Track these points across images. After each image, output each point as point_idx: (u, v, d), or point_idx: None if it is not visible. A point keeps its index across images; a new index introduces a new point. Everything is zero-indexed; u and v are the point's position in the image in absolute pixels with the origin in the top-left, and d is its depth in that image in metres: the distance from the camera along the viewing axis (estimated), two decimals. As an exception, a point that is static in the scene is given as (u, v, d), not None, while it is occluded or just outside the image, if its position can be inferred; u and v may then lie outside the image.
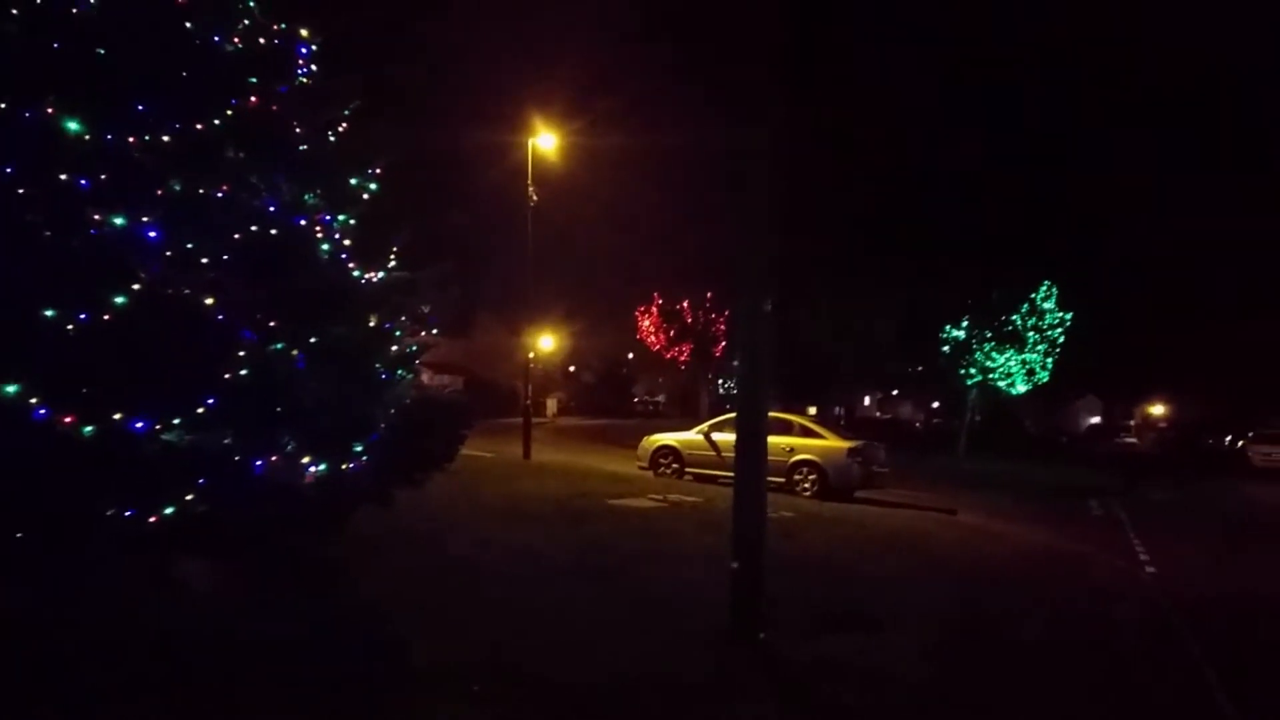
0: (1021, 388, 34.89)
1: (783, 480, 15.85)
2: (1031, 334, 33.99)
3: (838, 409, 56.09)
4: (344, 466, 6.73)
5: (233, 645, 5.19)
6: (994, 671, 6.47)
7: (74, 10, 5.66)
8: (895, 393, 72.96)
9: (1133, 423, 70.43)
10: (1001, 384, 34.63)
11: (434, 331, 8.59)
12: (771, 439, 7.44)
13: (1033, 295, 34.22)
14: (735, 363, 8.21)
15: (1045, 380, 35.06)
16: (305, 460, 6.37)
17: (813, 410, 45.32)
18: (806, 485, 16.37)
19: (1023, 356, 34.02)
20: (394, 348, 7.47)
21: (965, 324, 34.80)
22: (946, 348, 35.54)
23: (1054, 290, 34.61)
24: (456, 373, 42.34)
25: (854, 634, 6.90)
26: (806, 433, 17.11)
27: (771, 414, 10.20)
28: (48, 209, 5.41)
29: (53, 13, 5.57)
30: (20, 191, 5.32)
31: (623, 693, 5.23)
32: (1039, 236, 49.15)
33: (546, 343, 43.36)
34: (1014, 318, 33.93)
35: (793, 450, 16.55)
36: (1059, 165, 67.32)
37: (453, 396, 9.71)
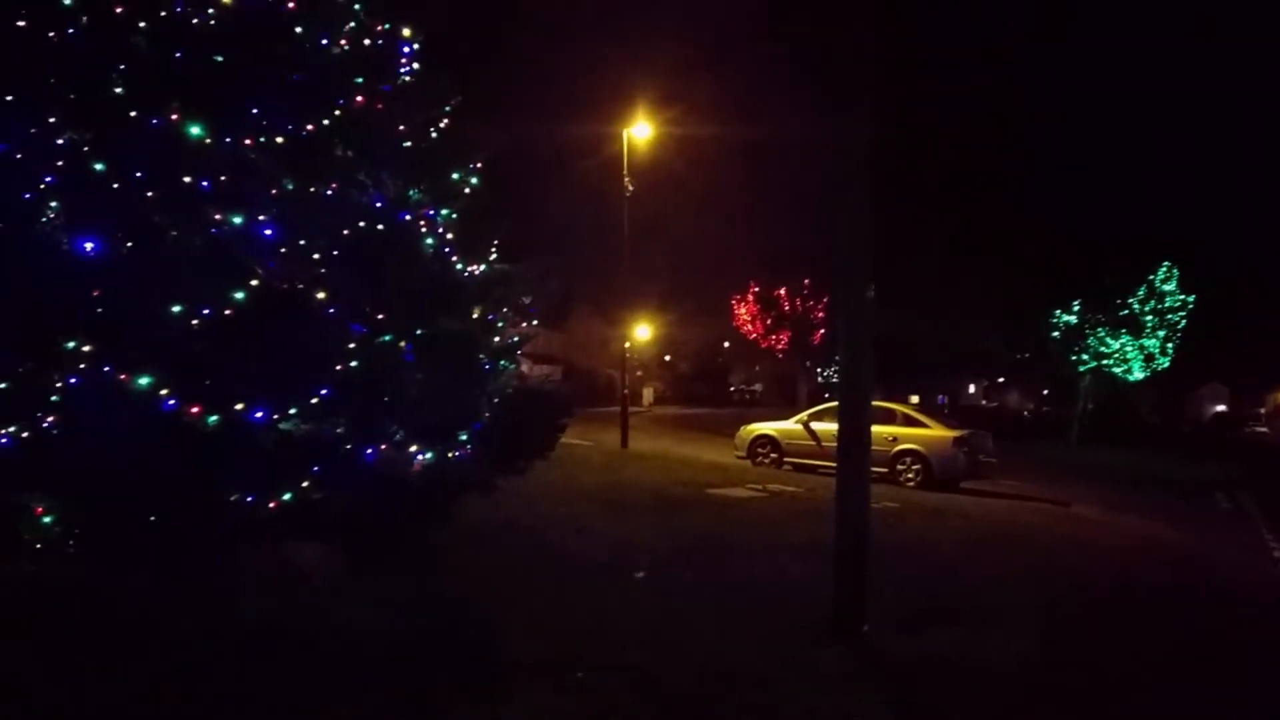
0: (1139, 374, 33.34)
1: (885, 470, 15.55)
2: (1150, 318, 32.38)
3: (941, 397, 54.66)
4: (449, 455, 6.89)
5: (340, 628, 5.38)
6: (1106, 674, 6.18)
7: (194, 21, 5.94)
8: (1001, 380, 70.59)
9: (1264, 411, 66.26)
10: (1116, 370, 33.14)
11: (534, 323, 8.71)
12: (873, 428, 7.31)
13: (1151, 277, 32.58)
14: (837, 353, 8.04)
15: (1165, 366, 33.40)
16: (413, 449, 6.54)
17: (915, 399, 44.25)
18: (910, 475, 16.04)
19: (1140, 341, 32.46)
20: (496, 339, 7.60)
21: (1077, 308, 33.40)
22: (1056, 333, 34.21)
23: (1175, 271, 32.86)
24: (554, 363, 42.94)
25: (960, 629, 6.71)
26: (910, 421, 16.74)
27: (873, 403, 10.01)
28: (173, 210, 5.70)
29: (176, 24, 5.85)
30: (149, 194, 5.62)
31: (723, 684, 5.21)
32: (1158, 214, 46.67)
33: (643, 332, 43.56)
34: (1130, 301, 32.37)
35: (895, 440, 16.22)
36: (1179, 139, 63.64)
37: (553, 386, 9.82)
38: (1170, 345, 32.98)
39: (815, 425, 17.36)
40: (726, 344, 62.00)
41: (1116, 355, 33.01)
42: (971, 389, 71.38)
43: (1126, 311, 32.65)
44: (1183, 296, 32.82)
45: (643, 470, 15.11)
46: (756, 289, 46.64)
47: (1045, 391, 64.12)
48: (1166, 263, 32.94)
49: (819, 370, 53.87)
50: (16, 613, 5.15)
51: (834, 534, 6.58)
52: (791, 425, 18.00)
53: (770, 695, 5.12)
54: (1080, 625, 7.29)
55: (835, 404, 17.67)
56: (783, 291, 46.11)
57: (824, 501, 11.31)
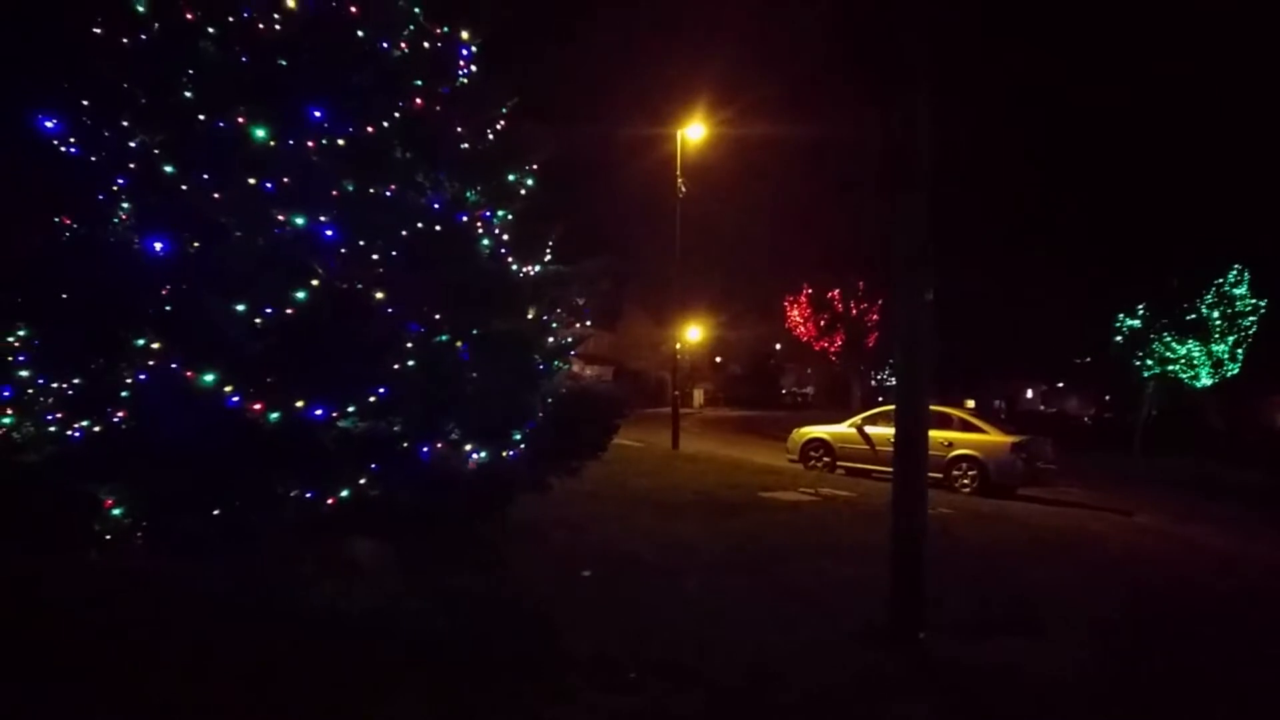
0: (1206, 380, 32.32)
1: (940, 476, 15.30)
2: (1219, 322, 31.37)
3: (997, 402, 53.64)
4: (504, 454, 6.94)
5: (396, 622, 5.45)
6: (1166, 692, 5.96)
7: (260, 26, 6.07)
8: (1060, 385, 69.00)
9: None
10: (1183, 376, 32.19)
11: (588, 323, 8.73)
12: (929, 433, 7.17)
13: (1220, 280, 31.57)
14: (893, 356, 7.92)
15: (1234, 373, 32.32)
16: (468, 448, 6.60)
17: (970, 403, 43.49)
18: (966, 481, 15.77)
19: (1209, 347, 31.46)
20: (550, 339, 7.64)
21: (1142, 311, 32.50)
22: (1119, 337, 33.34)
23: (1246, 275, 31.79)
24: (605, 364, 43.09)
25: (1016, 638, 6.56)
26: (966, 426, 16.45)
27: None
28: (238, 211, 5.84)
29: (242, 29, 5.98)
30: (215, 195, 5.76)
31: (775, 688, 5.17)
32: (1227, 215, 45.13)
33: (693, 333, 43.47)
34: (1198, 304, 31.40)
35: (951, 445, 15.95)
36: (1252, 138, 61.50)
37: (606, 387, 9.85)
38: (1240, 351, 31.91)
39: (869, 429, 17.16)
40: (778, 346, 61.58)
41: (1183, 361, 32.06)
42: (1029, 394, 69.91)
43: (1194, 316, 31.68)
44: (1254, 300, 31.74)
45: (694, 472, 15.07)
46: (810, 290, 46.25)
47: (1107, 397, 62.54)
48: (1237, 265, 31.89)
49: (873, 373, 53.25)
50: (88, 601, 5.30)
51: (888, 540, 6.48)
52: (845, 429, 17.81)
53: (825, 700, 5.07)
54: (1143, 639, 7.08)
55: (890, 408, 17.45)
56: (836, 293, 45.66)
57: (878, 507, 11.15)
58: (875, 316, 44.97)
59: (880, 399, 43.68)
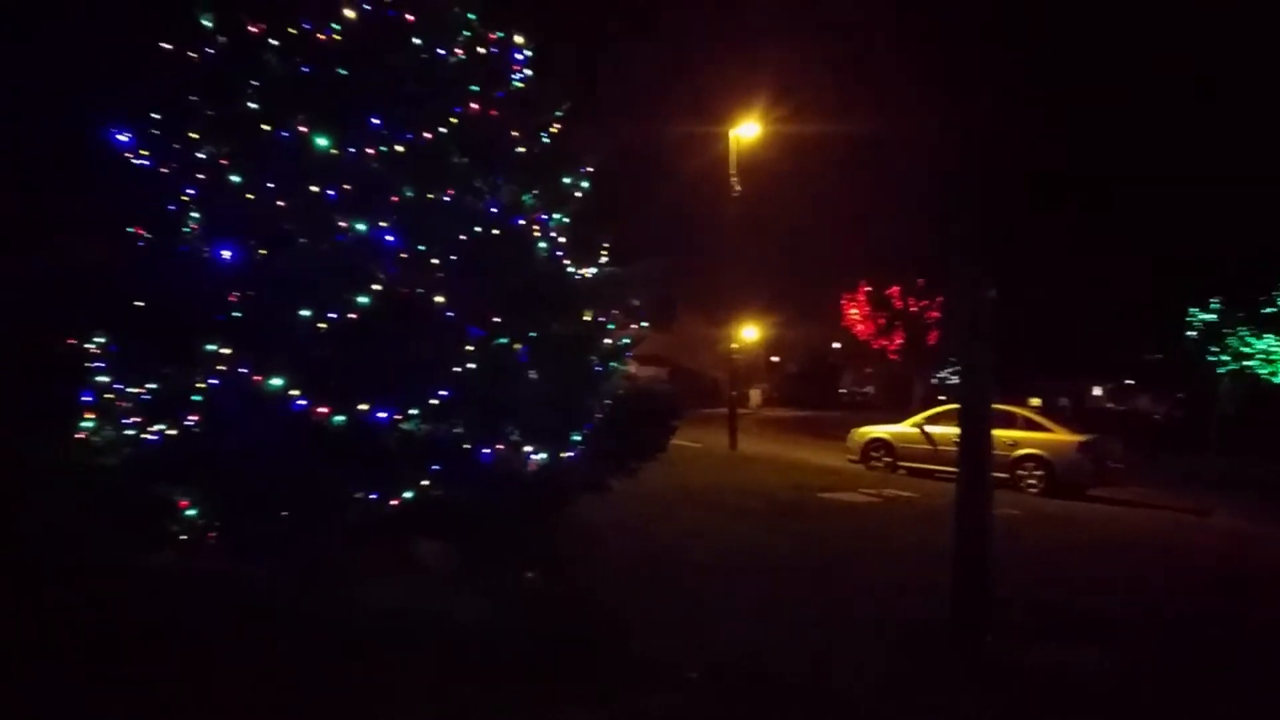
0: (1286, 376, 31.09)
1: (1005, 476, 14.96)
2: (1302, 315, 30.15)
3: (1063, 400, 52.32)
4: (562, 455, 6.98)
5: (459, 623, 5.50)
6: (1240, 703, 5.72)
7: (320, 37, 6.21)
8: (1130, 382, 66.96)
9: None
10: (1261, 371, 31.02)
11: (644, 324, 8.74)
12: (993, 432, 7.01)
13: (1302, 270, 30.35)
14: (954, 354, 7.75)
15: (1320, 369, 31.03)
16: (527, 449, 6.66)
17: (1035, 402, 42.48)
18: (1031, 481, 15.41)
19: (1289, 341, 30.28)
20: (607, 341, 7.66)
21: (1216, 305, 31.41)
22: (1192, 332, 32.27)
23: (1328, 264, 30.51)
24: (660, 364, 43.04)
25: (1086, 641, 6.37)
26: (1031, 425, 16.08)
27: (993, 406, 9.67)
28: (301, 218, 5.97)
29: (304, 40, 6.12)
30: (279, 204, 5.90)
31: (837, 690, 5.10)
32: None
33: (749, 333, 43.23)
34: (1277, 297, 30.24)
35: (1016, 444, 15.60)
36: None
37: (663, 388, 9.85)
38: (1323, 344, 30.65)
39: (931, 429, 16.87)
40: (836, 344, 60.91)
41: (1260, 356, 30.90)
42: (1097, 391, 68.02)
43: (1272, 309, 30.52)
44: (1340, 292, 30.46)
45: (752, 473, 14.98)
46: (868, 288, 45.61)
47: (1179, 395, 60.57)
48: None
49: (933, 372, 52.36)
50: (169, 600, 5.46)
51: (952, 541, 6.36)
52: (906, 428, 17.55)
53: (887, 701, 4.99)
54: (1220, 646, 6.83)
55: (952, 407, 17.13)
56: (895, 290, 44.94)
57: (941, 507, 10.96)
58: (935, 314, 44.16)
59: (941, 398, 42.85)
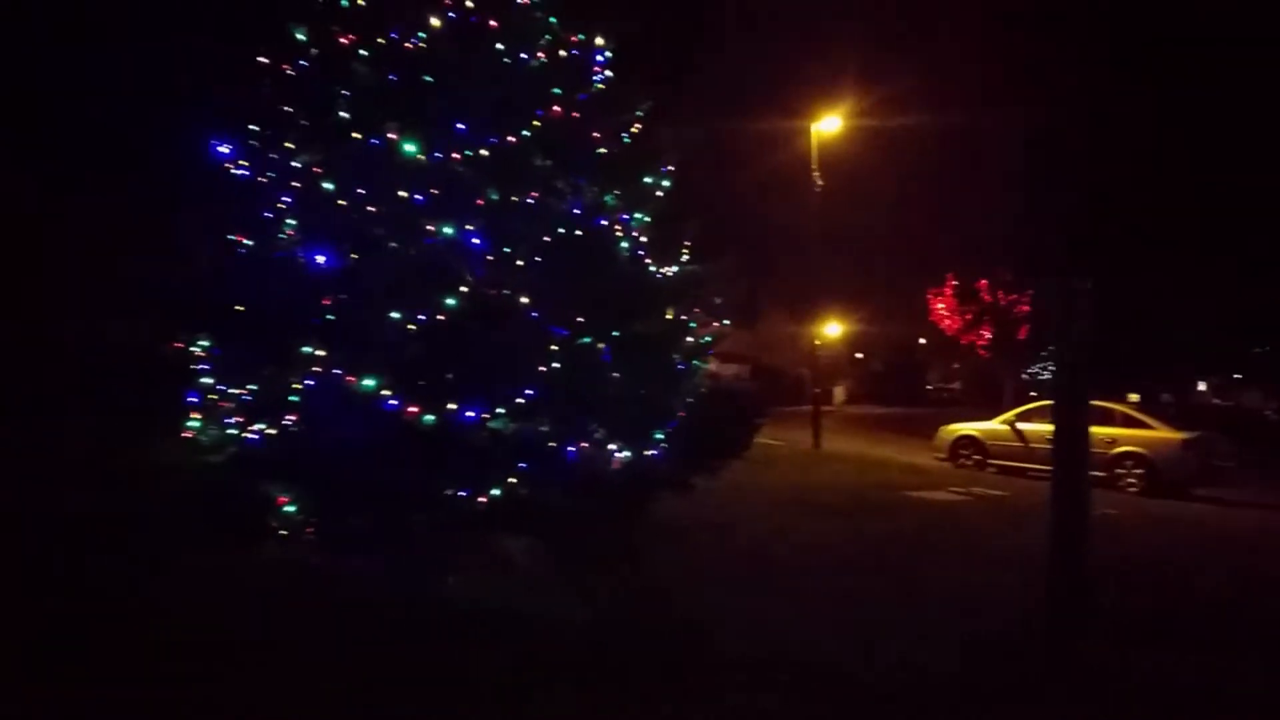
0: None
1: (1103, 474, 14.42)
2: None
3: (1165, 396, 50.07)
4: (646, 454, 7.01)
5: (545, 618, 5.57)
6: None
7: (407, 45, 6.37)
8: (1238, 377, 63.69)
9: None
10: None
11: (725, 322, 8.72)
12: (1090, 429, 6.77)
13: None
14: (1047, 348, 7.51)
15: None
16: (611, 447, 6.71)
17: (1134, 398, 40.83)
18: (1131, 480, 14.81)
19: None
20: (689, 339, 7.67)
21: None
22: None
23: None
24: (742, 362, 42.79)
25: (1192, 653, 6.07)
26: (1130, 422, 15.46)
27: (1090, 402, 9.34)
28: (391, 223, 6.14)
29: (391, 49, 6.29)
30: (370, 209, 6.08)
31: (926, 695, 4.99)
32: None
33: (833, 329, 42.63)
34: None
35: (1114, 441, 15.02)
36: None
37: (746, 386, 9.80)
38: None
39: (1023, 425, 16.38)
40: (922, 340, 59.59)
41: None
42: (1202, 386, 64.94)
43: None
44: None
45: (837, 471, 14.77)
46: (955, 282, 44.47)
47: (1293, 389, 57.39)
48: None
49: (1024, 367, 50.76)
50: (271, 592, 5.68)
51: (1046, 542, 6.16)
52: (997, 425, 17.07)
53: (977, 706, 4.86)
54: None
55: (1045, 403, 16.61)
56: (984, 284, 43.69)
57: (1033, 507, 10.62)
58: (1026, 307, 42.78)
59: (1033, 393, 41.51)
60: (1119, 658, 5.80)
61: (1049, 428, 6.38)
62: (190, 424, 6.35)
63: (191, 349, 6.41)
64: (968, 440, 17.43)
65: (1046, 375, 50.99)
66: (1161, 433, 15.08)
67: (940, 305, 45.30)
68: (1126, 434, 15.17)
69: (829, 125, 21.24)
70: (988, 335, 44.06)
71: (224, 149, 6.37)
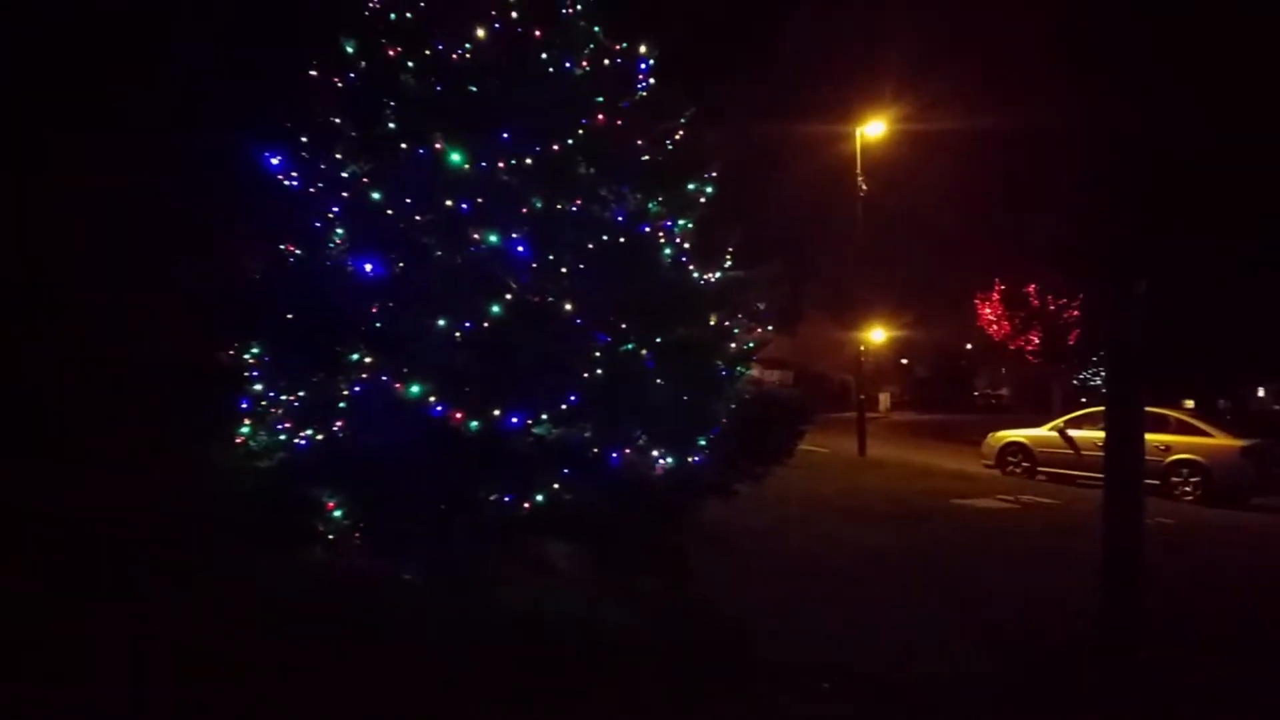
0: None
1: (1156, 482, 14.09)
2: None
3: (1221, 402, 48.80)
4: (689, 460, 6.99)
5: (590, 625, 5.58)
6: None
7: (453, 56, 6.44)
8: (1300, 381, 61.78)
9: None
10: None
11: (768, 328, 8.67)
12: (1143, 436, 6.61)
13: None
14: (1096, 354, 7.36)
15: None
16: (655, 454, 6.70)
17: (1189, 404, 39.79)
18: (1186, 488, 14.45)
19: None
20: (732, 345, 7.64)
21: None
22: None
23: None
24: (785, 368, 42.55)
25: (1248, 663, 5.92)
26: (1185, 428, 15.08)
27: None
28: (437, 231, 6.21)
29: (438, 60, 6.37)
30: (417, 218, 6.16)
31: (976, 705, 4.92)
32: None
33: (877, 335, 42.19)
34: None
35: (1168, 448, 14.67)
36: None
37: (790, 392, 9.73)
38: None
39: (1073, 432, 16.07)
40: (969, 345, 58.74)
41: None
42: (1260, 392, 63.13)
43: None
44: None
45: (883, 478, 14.63)
46: (1002, 286, 43.77)
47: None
48: None
49: (1074, 373, 49.79)
50: (318, 596, 5.77)
51: (1098, 550, 6.03)
52: (1046, 432, 16.77)
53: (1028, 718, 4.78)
54: None
55: (1095, 409, 16.29)
56: (1032, 288, 42.94)
57: (1083, 515, 10.42)
58: (1075, 312, 41.97)
59: (1083, 400, 40.70)
60: (1177, 669, 5.67)
61: (1100, 434, 6.26)
62: (241, 430, 6.48)
63: (243, 356, 6.54)
64: (1016, 447, 17.15)
65: (1097, 381, 50.00)
66: (1218, 440, 14.70)
67: (987, 310, 44.64)
68: (1182, 441, 14.81)
69: (874, 129, 21.07)
70: (1036, 340, 43.30)
71: (274, 160, 6.50)
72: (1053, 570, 8.02)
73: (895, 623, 6.34)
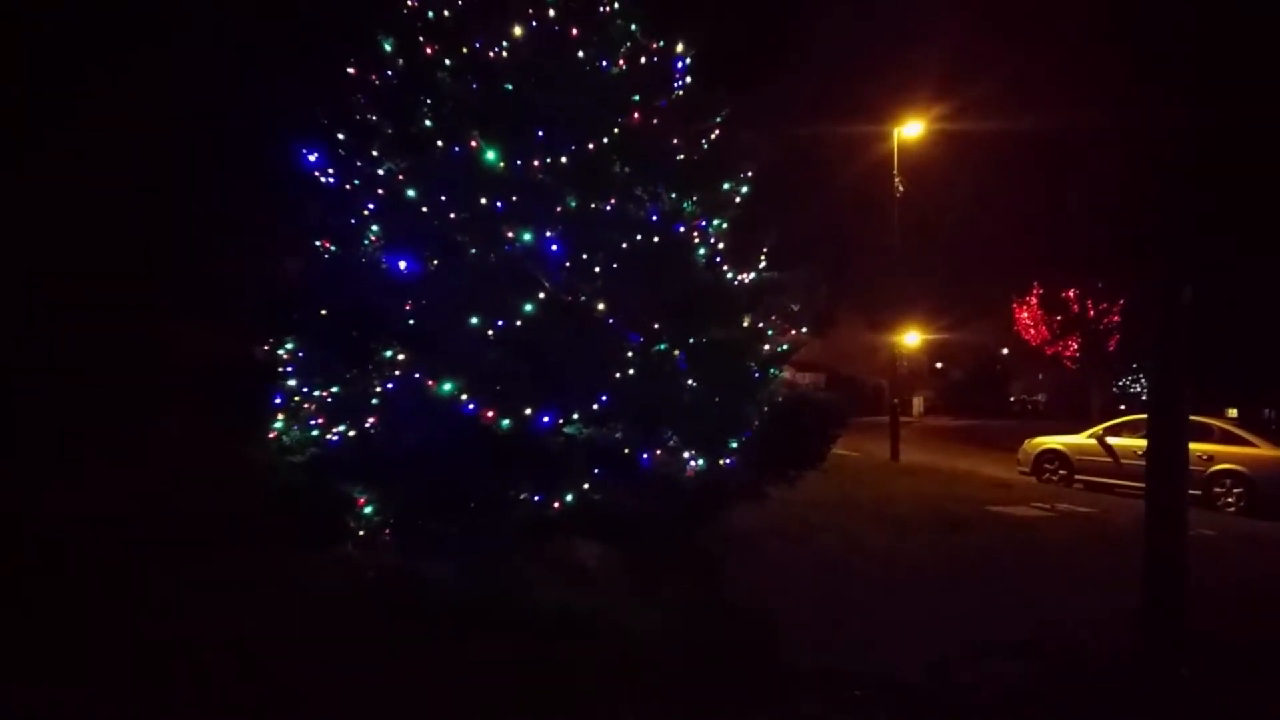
0: None
1: (1199, 493, 13.78)
2: None
3: (1267, 411, 47.67)
4: (720, 462, 6.94)
5: (621, 626, 5.55)
6: None
7: (490, 55, 6.44)
8: (1347, 392, 60.22)
9: None
10: None
11: (803, 330, 8.59)
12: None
13: None
14: (1136, 361, 7.18)
15: None
16: (686, 455, 6.66)
17: (1233, 412, 38.93)
18: (1230, 499, 14.12)
19: None
20: (766, 347, 7.57)
21: None
22: None
23: None
24: (818, 370, 42.26)
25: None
26: (1229, 438, 14.74)
27: (1187, 417, 8.91)
28: (472, 230, 6.22)
29: (475, 58, 6.38)
30: (451, 216, 6.17)
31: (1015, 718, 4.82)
32: None
33: (911, 338, 41.78)
34: None
35: (1211, 458, 14.34)
36: None
37: (824, 395, 9.64)
38: None
39: (1112, 440, 15.75)
40: (1005, 350, 57.96)
41: None
42: (1307, 402, 61.58)
43: None
44: None
45: (915, 484, 14.44)
46: (1040, 291, 43.14)
47: None
48: None
49: (1114, 380, 48.95)
50: (347, 593, 5.79)
51: (1137, 561, 5.88)
52: (1084, 440, 16.46)
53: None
54: None
55: (1136, 417, 15.94)
56: (1071, 293, 42.26)
57: (1122, 525, 10.20)
58: (1116, 318, 41.25)
59: (1122, 407, 40.01)
60: (1218, 687, 5.51)
61: (1140, 443, 6.12)
62: (275, 425, 6.53)
63: (278, 352, 6.59)
64: (1053, 454, 16.86)
65: (1136, 387, 49.14)
66: (1263, 450, 14.35)
67: (1025, 315, 44.05)
68: (1225, 451, 14.48)
69: (912, 130, 20.85)
70: (1075, 346, 42.63)
71: (311, 157, 6.54)
72: (1090, 581, 7.85)
73: (928, 631, 6.24)
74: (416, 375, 5.95)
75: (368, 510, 5.99)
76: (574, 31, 6.56)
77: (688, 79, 7.37)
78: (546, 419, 5.94)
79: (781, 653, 5.50)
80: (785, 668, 5.26)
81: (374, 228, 6.55)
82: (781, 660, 5.38)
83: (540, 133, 6.31)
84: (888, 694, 4.93)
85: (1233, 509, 13.93)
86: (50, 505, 7.21)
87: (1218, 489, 14.23)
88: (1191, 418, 11.59)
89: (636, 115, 6.70)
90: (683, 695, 4.71)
